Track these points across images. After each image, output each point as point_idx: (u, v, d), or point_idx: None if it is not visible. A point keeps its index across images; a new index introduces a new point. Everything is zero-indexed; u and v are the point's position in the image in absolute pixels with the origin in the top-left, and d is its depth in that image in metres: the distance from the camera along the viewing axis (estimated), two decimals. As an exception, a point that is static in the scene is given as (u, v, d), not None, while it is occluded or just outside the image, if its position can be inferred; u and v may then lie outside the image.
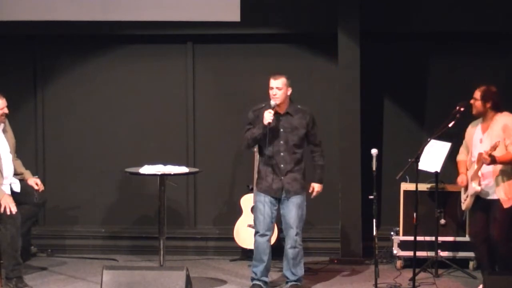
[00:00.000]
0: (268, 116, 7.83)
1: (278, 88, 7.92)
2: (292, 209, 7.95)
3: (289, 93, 7.98)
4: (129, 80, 9.88)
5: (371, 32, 9.40)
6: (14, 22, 9.47)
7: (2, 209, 8.02)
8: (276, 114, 7.95)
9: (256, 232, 8.03)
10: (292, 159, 7.96)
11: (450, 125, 7.96)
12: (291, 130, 7.96)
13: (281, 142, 7.94)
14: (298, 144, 7.99)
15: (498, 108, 7.81)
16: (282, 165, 7.95)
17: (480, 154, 7.66)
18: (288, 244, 7.99)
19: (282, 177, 7.95)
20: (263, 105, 8.00)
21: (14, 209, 8.04)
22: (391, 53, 9.62)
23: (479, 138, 7.87)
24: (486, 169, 7.73)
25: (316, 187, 8.14)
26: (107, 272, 7.36)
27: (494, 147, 7.50)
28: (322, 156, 8.16)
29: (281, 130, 7.95)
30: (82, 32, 9.66)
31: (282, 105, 7.96)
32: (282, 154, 7.95)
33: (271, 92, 7.94)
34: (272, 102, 7.91)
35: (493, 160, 7.54)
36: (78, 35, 9.77)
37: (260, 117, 7.93)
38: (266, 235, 7.99)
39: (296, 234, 7.94)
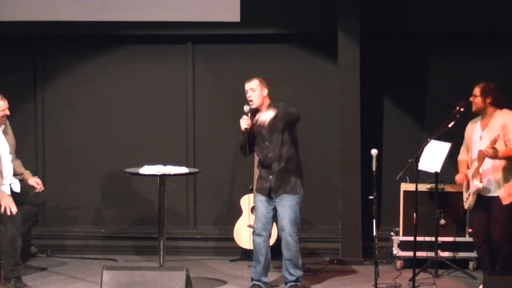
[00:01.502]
0: (242, 123, 7.87)
1: (252, 89, 7.97)
2: (284, 211, 7.95)
3: (265, 93, 7.99)
4: (129, 80, 9.88)
5: (371, 32, 9.40)
6: (14, 22, 9.47)
7: (2, 209, 8.02)
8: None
9: (253, 231, 8.06)
10: (280, 157, 7.94)
11: (450, 125, 7.95)
12: (270, 128, 7.94)
13: (266, 143, 7.96)
14: (283, 140, 7.94)
15: (498, 104, 7.81)
16: (273, 165, 7.96)
17: (480, 152, 7.66)
18: (283, 246, 7.99)
19: (271, 176, 7.96)
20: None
21: (14, 209, 8.04)
22: (391, 53, 9.62)
23: (479, 135, 7.86)
24: (487, 166, 7.73)
25: (266, 112, 7.80)
26: (107, 272, 7.36)
27: (494, 141, 7.49)
28: (294, 109, 7.85)
29: (263, 132, 7.96)
30: (82, 32, 9.66)
31: (261, 107, 7.98)
32: (270, 154, 7.96)
33: (246, 95, 7.98)
34: (246, 108, 7.92)
35: (495, 154, 7.53)
36: (78, 35, 9.77)
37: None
38: (262, 235, 7.99)
39: (289, 236, 7.93)
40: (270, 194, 7.98)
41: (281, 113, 7.82)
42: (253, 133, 7.99)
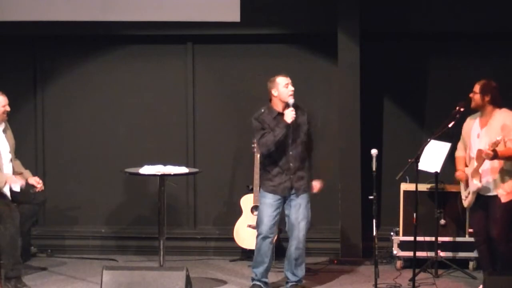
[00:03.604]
0: (291, 115, 7.81)
1: (292, 85, 7.95)
2: (298, 210, 7.95)
3: None
4: (129, 80, 9.88)
5: (371, 32, 9.40)
6: (14, 22, 9.47)
7: (19, 188, 8.03)
8: (280, 114, 7.93)
9: (259, 234, 8.01)
10: (300, 157, 7.96)
11: (450, 125, 7.96)
12: (296, 126, 7.94)
13: (289, 141, 7.92)
14: (304, 141, 7.99)
15: (497, 103, 7.80)
16: (291, 164, 7.93)
17: (479, 151, 7.66)
18: (293, 245, 7.98)
19: (291, 176, 7.94)
20: (262, 110, 7.97)
21: (22, 182, 8.04)
22: (391, 53, 9.62)
23: (477, 133, 7.86)
24: (486, 165, 7.73)
25: (317, 184, 8.13)
26: (107, 272, 7.36)
27: (495, 144, 7.49)
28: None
29: (288, 131, 7.92)
30: (82, 32, 9.66)
31: (283, 104, 7.95)
32: (291, 152, 7.93)
33: (286, 89, 7.89)
34: (291, 100, 7.87)
35: (495, 155, 7.54)
36: (78, 35, 9.76)
37: (266, 121, 7.90)
38: (269, 237, 7.98)
39: (303, 235, 7.95)
40: (289, 194, 7.97)
41: (312, 125, 8.09)
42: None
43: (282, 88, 7.92)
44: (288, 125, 7.84)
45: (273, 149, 7.90)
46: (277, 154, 7.93)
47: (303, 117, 8.01)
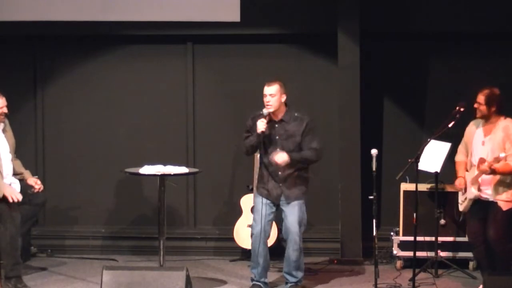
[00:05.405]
0: (261, 125, 7.82)
1: (271, 95, 7.87)
2: (293, 212, 7.94)
3: (283, 99, 7.95)
4: (129, 80, 9.88)
5: (371, 32, 9.40)
6: (14, 22, 9.47)
7: (10, 200, 7.98)
8: (271, 121, 7.92)
9: (252, 234, 8.01)
10: (290, 166, 7.92)
11: (450, 125, 7.95)
12: (286, 137, 7.93)
13: (278, 149, 7.92)
14: (294, 148, 7.94)
15: (502, 111, 7.77)
16: (279, 172, 7.93)
17: (481, 160, 7.64)
18: (290, 247, 7.97)
19: (281, 184, 7.94)
20: (261, 112, 7.96)
21: (19, 197, 8.02)
22: (391, 53, 9.62)
23: (481, 141, 7.84)
24: (486, 176, 7.72)
25: (280, 154, 7.84)
26: (107, 272, 7.36)
27: (497, 160, 7.48)
28: (313, 154, 7.98)
29: (277, 137, 7.93)
30: (82, 32, 9.66)
31: (276, 112, 7.93)
32: None
33: (264, 99, 7.91)
34: (265, 111, 7.87)
35: (493, 171, 7.54)
36: (78, 35, 9.76)
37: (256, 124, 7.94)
38: (262, 237, 7.96)
39: (297, 236, 7.93)
40: (279, 200, 7.97)
41: (304, 138, 7.91)
42: (265, 137, 7.94)
43: (263, 97, 7.94)
44: (259, 135, 7.84)
45: (252, 152, 8.12)
46: (266, 162, 7.96)
47: (298, 128, 7.96)
